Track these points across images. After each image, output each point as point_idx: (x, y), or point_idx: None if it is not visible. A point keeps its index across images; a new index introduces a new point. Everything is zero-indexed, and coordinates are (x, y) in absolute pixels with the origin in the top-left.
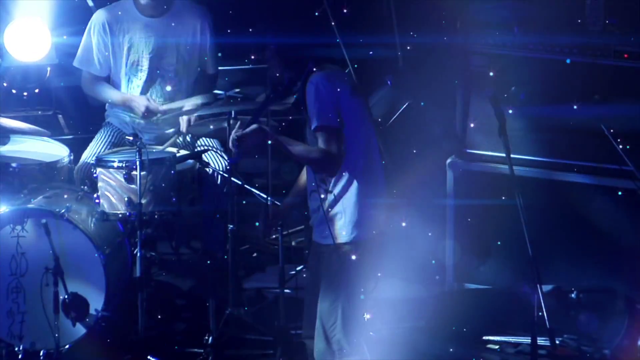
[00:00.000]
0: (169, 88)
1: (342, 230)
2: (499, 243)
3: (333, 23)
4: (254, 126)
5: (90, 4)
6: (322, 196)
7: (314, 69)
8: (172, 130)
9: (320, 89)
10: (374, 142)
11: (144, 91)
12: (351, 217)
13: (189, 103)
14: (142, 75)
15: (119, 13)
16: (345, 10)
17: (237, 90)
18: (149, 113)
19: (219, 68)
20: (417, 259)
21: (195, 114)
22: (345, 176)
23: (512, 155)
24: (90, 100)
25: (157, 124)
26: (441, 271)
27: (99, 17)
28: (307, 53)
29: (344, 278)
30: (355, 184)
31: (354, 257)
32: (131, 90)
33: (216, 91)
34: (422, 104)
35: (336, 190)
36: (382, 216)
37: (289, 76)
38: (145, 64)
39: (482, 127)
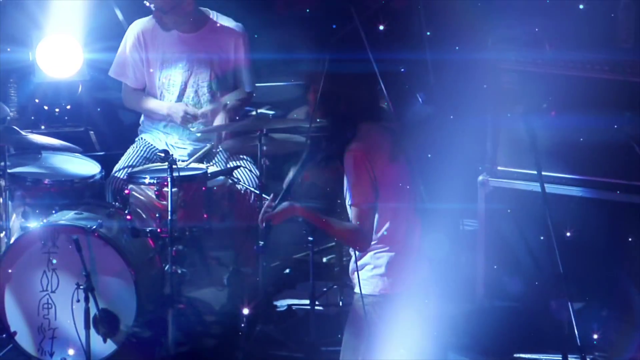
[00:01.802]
0: (202, 104)
1: (369, 282)
2: (530, 260)
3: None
4: (284, 204)
5: (121, 17)
6: None
7: (351, 138)
8: (205, 147)
9: (358, 162)
10: (413, 202)
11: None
12: (378, 270)
13: (227, 99)
14: (175, 91)
15: (154, 26)
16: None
17: (269, 106)
18: (187, 118)
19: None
20: (448, 276)
21: (228, 130)
22: (377, 231)
23: (543, 173)
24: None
25: (190, 138)
26: (472, 288)
27: (134, 28)
28: (353, 117)
29: (365, 330)
30: (387, 239)
31: (377, 311)
32: (167, 104)
33: (248, 108)
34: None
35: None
36: (413, 272)
37: (328, 144)
38: (178, 80)
39: (513, 145)
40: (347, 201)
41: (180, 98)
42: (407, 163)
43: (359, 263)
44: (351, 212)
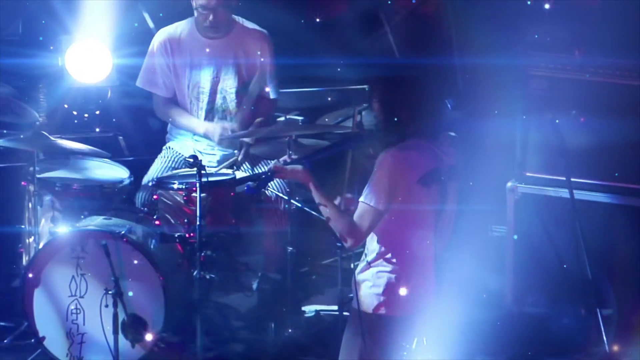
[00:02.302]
0: (230, 110)
1: (366, 299)
2: (558, 267)
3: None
4: (299, 166)
5: (151, 25)
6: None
7: (394, 143)
8: (232, 151)
9: (386, 166)
10: (429, 230)
11: (207, 113)
12: (376, 289)
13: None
14: (204, 97)
15: (180, 33)
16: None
17: (297, 112)
18: (223, 139)
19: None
20: (476, 282)
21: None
22: (383, 249)
23: (572, 179)
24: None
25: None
26: (500, 294)
27: (160, 37)
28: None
29: (358, 348)
30: (391, 260)
31: (371, 331)
32: (194, 113)
33: (277, 114)
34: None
35: (369, 257)
36: (415, 298)
37: (370, 138)
38: (207, 86)
39: (542, 151)
40: (361, 197)
41: (210, 105)
42: (437, 193)
43: (360, 277)
44: (358, 207)
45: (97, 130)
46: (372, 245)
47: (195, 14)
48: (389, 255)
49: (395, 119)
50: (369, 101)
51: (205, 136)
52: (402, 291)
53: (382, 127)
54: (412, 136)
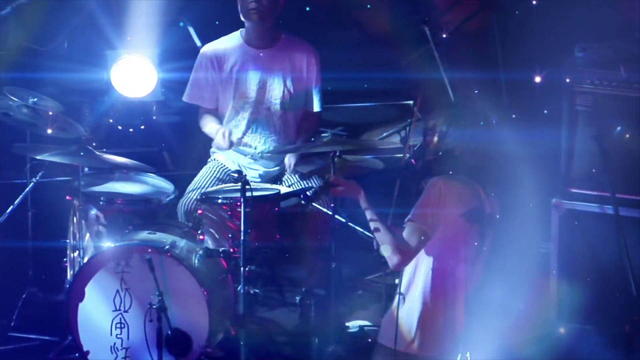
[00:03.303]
0: (274, 121)
1: (403, 338)
2: (603, 283)
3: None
4: (352, 181)
5: (198, 43)
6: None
7: (446, 172)
8: (277, 167)
9: (436, 191)
10: (464, 267)
11: (250, 123)
12: (405, 326)
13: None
14: (249, 108)
15: (226, 46)
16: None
17: (342, 128)
18: (219, 146)
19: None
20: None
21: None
22: (420, 285)
23: (617, 195)
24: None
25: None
26: (546, 310)
27: (206, 50)
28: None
29: None
30: (427, 296)
31: None
32: (238, 123)
33: (321, 129)
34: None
35: (407, 293)
36: (443, 338)
37: (424, 167)
38: (252, 96)
39: (587, 167)
40: (408, 217)
41: (254, 115)
42: (477, 232)
43: (391, 313)
44: (406, 227)
45: (142, 144)
46: (406, 279)
47: (240, 2)
48: (424, 292)
49: (449, 153)
50: (425, 133)
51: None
52: (436, 330)
53: (434, 159)
54: (462, 172)
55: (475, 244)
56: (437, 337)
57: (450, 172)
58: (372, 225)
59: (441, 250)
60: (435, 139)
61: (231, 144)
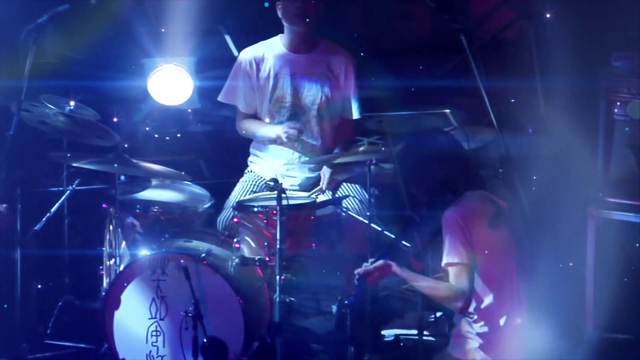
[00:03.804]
0: (311, 126)
1: (471, 355)
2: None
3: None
4: (379, 262)
5: (235, 53)
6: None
7: (452, 201)
8: (314, 175)
9: (453, 224)
10: (514, 273)
11: None
12: (474, 343)
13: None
14: (285, 112)
15: (265, 51)
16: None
17: (378, 136)
18: (291, 135)
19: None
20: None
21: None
22: (481, 300)
23: None
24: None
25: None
26: (582, 321)
27: (244, 56)
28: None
29: None
30: (487, 312)
31: None
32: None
33: (358, 137)
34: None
35: (473, 317)
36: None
37: (428, 208)
38: (288, 101)
39: (624, 176)
40: (443, 262)
41: (290, 120)
42: (512, 233)
43: (462, 332)
44: (449, 273)
45: (178, 152)
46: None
47: (284, 6)
48: (483, 309)
49: (442, 182)
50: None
51: (279, 140)
52: (498, 346)
53: (434, 197)
54: (463, 191)
55: (514, 244)
56: (504, 349)
57: (457, 198)
58: (419, 288)
59: (488, 266)
60: (415, 189)
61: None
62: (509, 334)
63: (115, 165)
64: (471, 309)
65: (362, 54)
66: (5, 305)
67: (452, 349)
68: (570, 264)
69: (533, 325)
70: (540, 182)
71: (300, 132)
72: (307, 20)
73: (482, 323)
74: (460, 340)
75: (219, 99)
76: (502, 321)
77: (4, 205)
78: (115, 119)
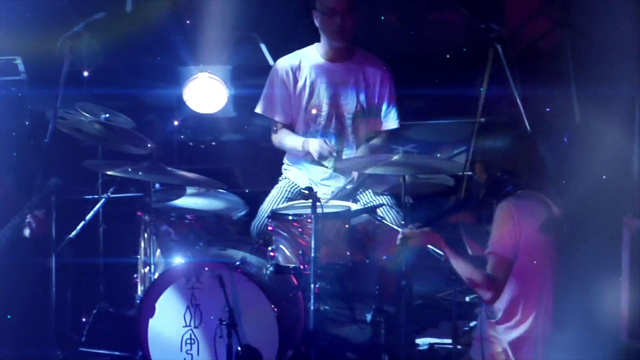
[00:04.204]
0: (347, 135)
1: (496, 354)
2: None
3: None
4: (426, 229)
5: (271, 62)
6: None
7: (511, 193)
8: (349, 186)
9: (507, 215)
10: (549, 280)
11: (322, 136)
12: (498, 347)
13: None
14: (321, 121)
15: (300, 60)
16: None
17: (413, 145)
18: (323, 154)
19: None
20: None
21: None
22: (510, 302)
23: None
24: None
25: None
26: (616, 329)
27: (280, 65)
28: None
29: None
30: (519, 317)
31: None
32: (309, 136)
33: (393, 146)
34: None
35: (496, 316)
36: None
37: (487, 193)
38: (324, 109)
39: None
40: (487, 249)
41: (325, 129)
42: (556, 240)
43: (487, 333)
44: (488, 260)
45: (213, 161)
46: (498, 303)
47: (323, 22)
48: (514, 308)
49: (509, 172)
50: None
51: (305, 151)
52: (528, 345)
53: (495, 181)
54: (524, 187)
55: (556, 252)
56: (529, 352)
57: (517, 192)
58: (456, 267)
59: (526, 267)
60: (482, 166)
61: (331, 152)
62: (534, 340)
63: (150, 173)
64: (498, 307)
65: (397, 63)
66: (9, 316)
67: (475, 352)
68: (605, 273)
69: (566, 333)
70: (576, 190)
71: (331, 152)
72: (347, 37)
73: (506, 325)
74: (483, 344)
75: (257, 110)
76: (527, 325)
77: (42, 211)
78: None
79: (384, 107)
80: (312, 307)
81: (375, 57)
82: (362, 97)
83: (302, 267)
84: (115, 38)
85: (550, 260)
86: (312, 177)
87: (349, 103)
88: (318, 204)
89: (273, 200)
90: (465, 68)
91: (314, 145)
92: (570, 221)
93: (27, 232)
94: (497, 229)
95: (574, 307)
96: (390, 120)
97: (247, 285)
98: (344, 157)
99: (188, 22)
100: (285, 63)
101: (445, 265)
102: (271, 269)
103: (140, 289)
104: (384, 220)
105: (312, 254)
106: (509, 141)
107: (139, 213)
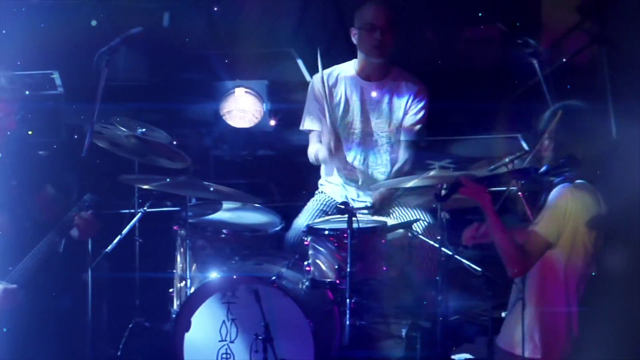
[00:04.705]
0: (380, 153)
1: (524, 343)
2: None
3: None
4: (482, 186)
5: (307, 77)
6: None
7: (569, 179)
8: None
9: (563, 200)
10: (582, 278)
11: (358, 154)
12: (529, 332)
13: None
14: (355, 138)
15: (338, 75)
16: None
17: (449, 160)
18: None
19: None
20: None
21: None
22: (543, 291)
23: None
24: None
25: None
26: None
27: (317, 79)
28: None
29: None
30: (551, 304)
31: None
32: (342, 152)
33: (429, 161)
34: None
35: (529, 299)
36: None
37: (545, 172)
38: (358, 127)
39: None
40: (532, 226)
41: (359, 146)
42: (598, 238)
43: (516, 319)
44: (528, 235)
45: (249, 175)
46: (532, 288)
47: (363, 37)
48: (546, 298)
49: (571, 156)
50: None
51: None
52: (557, 336)
53: (557, 163)
54: (582, 177)
55: (596, 249)
56: (559, 343)
57: (576, 181)
58: (493, 231)
59: (563, 258)
60: (552, 144)
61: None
62: (560, 336)
63: (187, 187)
64: (527, 295)
65: (433, 79)
66: (5, 329)
67: (500, 340)
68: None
69: (596, 337)
70: (612, 205)
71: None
72: (385, 53)
73: (532, 311)
74: (508, 332)
75: (302, 128)
76: (554, 319)
77: (89, 212)
78: (174, 142)
79: (417, 125)
80: (347, 322)
81: (411, 76)
82: (396, 115)
83: (338, 281)
84: (152, 53)
85: (588, 258)
86: (347, 192)
87: (383, 121)
88: (354, 218)
89: (309, 214)
90: (501, 83)
91: (337, 162)
92: (614, 223)
93: (75, 233)
94: (549, 210)
95: (606, 306)
96: (422, 138)
97: (283, 300)
98: (378, 174)
99: (224, 37)
100: (321, 78)
101: (481, 280)
102: (307, 283)
103: (176, 304)
104: (419, 235)
105: (348, 269)
106: (589, 130)
107: (175, 227)
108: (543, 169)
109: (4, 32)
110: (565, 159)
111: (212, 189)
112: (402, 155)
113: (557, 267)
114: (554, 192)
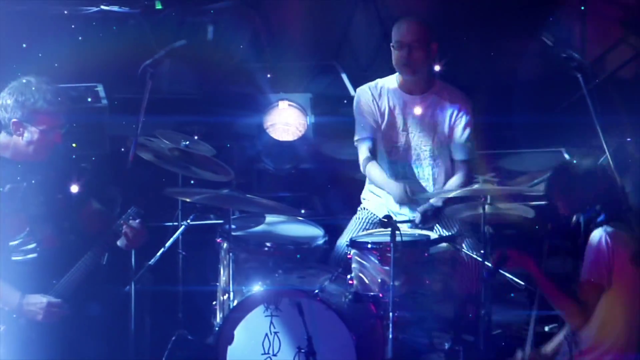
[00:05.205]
0: (423, 167)
1: None
2: None
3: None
4: (524, 252)
5: (351, 90)
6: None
7: (603, 222)
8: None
9: (601, 246)
10: (634, 317)
11: (400, 168)
12: None
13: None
14: (397, 152)
15: (382, 88)
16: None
17: (493, 174)
18: (401, 202)
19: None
20: None
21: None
22: (596, 331)
23: None
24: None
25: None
26: None
27: (362, 91)
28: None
29: None
30: (606, 348)
31: None
32: (387, 166)
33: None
34: None
35: (583, 345)
36: None
37: (578, 221)
38: (401, 141)
39: None
40: (582, 278)
41: (402, 161)
42: None
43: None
44: (580, 286)
45: (292, 188)
46: (586, 331)
47: (393, 55)
48: (599, 338)
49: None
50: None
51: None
52: None
53: (587, 212)
54: (615, 218)
55: None
56: None
57: (610, 222)
58: (545, 293)
59: (615, 297)
60: (560, 205)
61: (411, 200)
62: None
63: (230, 200)
64: (585, 335)
65: (477, 93)
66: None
67: None
68: None
69: None
70: None
71: (411, 199)
72: (415, 70)
73: (592, 355)
74: None
75: (355, 139)
76: (612, 357)
77: (137, 221)
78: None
79: (461, 140)
80: (390, 336)
81: (454, 90)
82: (439, 129)
83: (381, 295)
84: (196, 66)
85: (637, 295)
86: (390, 206)
87: (425, 136)
88: (397, 232)
89: (352, 231)
90: (545, 97)
91: (395, 190)
92: None
93: (122, 243)
94: (592, 256)
95: None
96: (468, 153)
97: (326, 313)
98: (419, 188)
99: (268, 50)
100: (367, 90)
101: (524, 293)
102: (350, 297)
103: (219, 316)
104: (463, 249)
105: (391, 282)
106: (585, 177)
107: (218, 240)
108: (577, 221)
109: (50, 46)
110: (590, 209)
111: (255, 201)
112: (457, 176)
113: (610, 307)
114: (590, 239)
